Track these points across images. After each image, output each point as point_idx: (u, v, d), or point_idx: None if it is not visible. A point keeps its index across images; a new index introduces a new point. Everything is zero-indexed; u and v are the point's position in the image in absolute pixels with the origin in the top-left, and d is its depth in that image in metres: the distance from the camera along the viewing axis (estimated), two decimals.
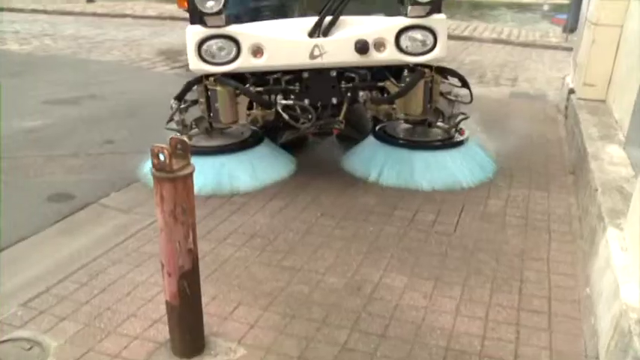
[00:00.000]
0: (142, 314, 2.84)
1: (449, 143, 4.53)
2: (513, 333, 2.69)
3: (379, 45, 4.04)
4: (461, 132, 4.63)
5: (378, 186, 4.38)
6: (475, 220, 3.83)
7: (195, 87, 4.35)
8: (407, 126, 4.79)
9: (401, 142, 4.58)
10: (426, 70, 4.15)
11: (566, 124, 6.01)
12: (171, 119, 4.53)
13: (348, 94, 4.26)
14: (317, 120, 4.25)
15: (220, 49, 4.03)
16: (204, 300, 2.66)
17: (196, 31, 4.01)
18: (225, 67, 4.07)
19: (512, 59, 10.35)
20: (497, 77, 8.77)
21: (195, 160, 3.89)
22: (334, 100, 4.26)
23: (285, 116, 4.19)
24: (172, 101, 4.46)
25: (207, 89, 4.21)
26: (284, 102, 4.18)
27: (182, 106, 4.47)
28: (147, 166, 4.27)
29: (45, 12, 16.18)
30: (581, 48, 6.09)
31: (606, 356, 2.39)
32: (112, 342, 2.64)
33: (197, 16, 3.97)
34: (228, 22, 3.99)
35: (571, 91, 6.17)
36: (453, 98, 4.56)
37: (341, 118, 4.22)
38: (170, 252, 2.30)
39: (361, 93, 4.27)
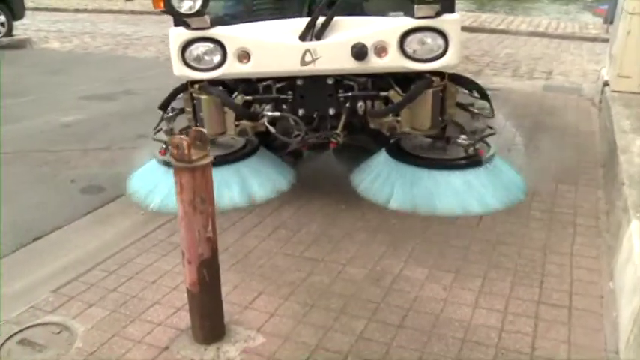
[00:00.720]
0: (166, 302, 2.93)
1: (473, 162, 3.97)
2: (531, 326, 2.68)
3: (380, 50, 3.52)
4: (479, 152, 4.03)
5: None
6: (499, 214, 3.80)
7: (181, 94, 4.05)
8: (425, 141, 4.26)
9: (418, 160, 4.01)
10: (435, 79, 3.62)
11: (600, 116, 5.91)
12: (158, 129, 4.27)
13: (347, 105, 3.77)
14: (315, 132, 3.79)
15: (205, 53, 3.68)
16: (226, 289, 2.74)
17: (179, 34, 3.67)
18: (210, 73, 3.71)
19: (548, 52, 10.19)
20: (531, 70, 8.66)
21: None
22: (331, 111, 3.79)
23: (272, 129, 3.72)
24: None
25: (192, 97, 3.88)
26: (269, 114, 3.72)
27: (169, 115, 4.20)
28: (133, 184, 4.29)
29: (86, 11, 16.61)
30: (617, 39, 5.96)
31: (625, 351, 2.37)
32: (136, 328, 2.74)
33: (177, 18, 3.65)
34: (214, 24, 3.64)
35: (605, 84, 6.06)
36: (476, 111, 4.03)
37: (339, 130, 3.72)
38: (190, 240, 2.37)
39: (359, 103, 3.76)
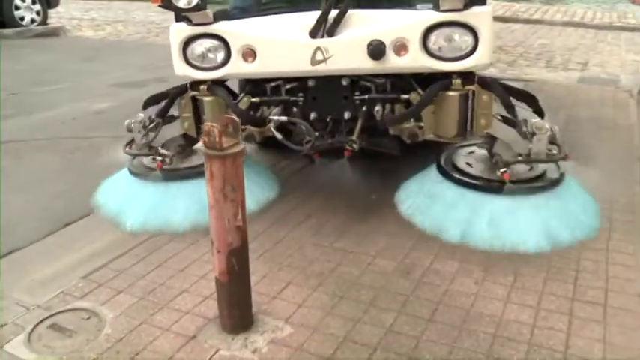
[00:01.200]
0: (194, 290, 2.93)
1: (541, 185, 3.40)
2: (565, 323, 2.61)
3: (400, 47, 3.16)
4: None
5: None
6: None
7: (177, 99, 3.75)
8: (478, 154, 3.71)
9: (478, 182, 3.40)
10: (456, 80, 3.25)
11: (639, 109, 5.74)
12: (131, 142, 3.87)
13: (364, 108, 3.45)
14: (331, 137, 3.49)
15: (207, 50, 3.43)
16: (254, 278, 2.72)
17: (180, 30, 3.43)
18: (213, 72, 3.46)
19: (584, 42, 9.96)
20: (566, 61, 8.47)
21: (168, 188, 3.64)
22: (346, 115, 3.46)
23: (278, 136, 3.36)
24: (132, 121, 3.77)
25: (194, 100, 3.63)
26: (275, 118, 3.38)
27: (146, 125, 3.78)
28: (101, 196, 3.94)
29: None
30: None
31: None
32: (164, 316, 2.74)
33: (178, 13, 3.41)
34: (218, 19, 3.38)
35: None
36: (525, 129, 3.34)
37: (355, 136, 3.36)
38: (219, 229, 2.36)
39: (377, 107, 3.41)
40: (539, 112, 3.54)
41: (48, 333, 2.66)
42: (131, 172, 3.85)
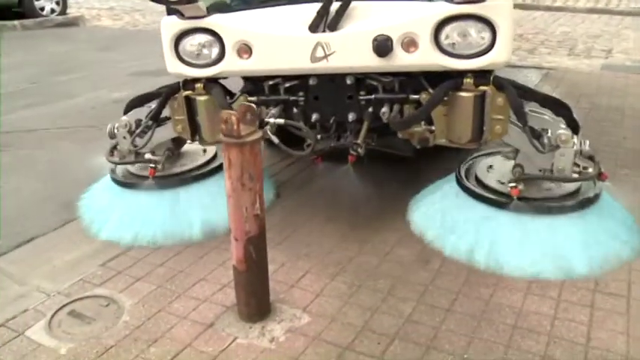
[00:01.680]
0: (212, 278, 2.93)
1: (578, 203, 3.05)
2: (587, 315, 2.57)
3: (408, 43, 2.88)
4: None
5: None
6: None
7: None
8: (504, 167, 3.32)
9: (506, 201, 3.06)
10: (467, 80, 2.95)
11: None
12: (114, 148, 3.65)
13: (369, 109, 3.17)
14: (337, 140, 3.28)
15: (201, 46, 3.18)
16: (272, 267, 2.71)
17: (171, 24, 3.17)
18: (207, 70, 3.21)
19: (608, 29, 9.79)
20: (589, 49, 8.33)
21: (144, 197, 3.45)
22: (351, 117, 3.20)
23: (275, 140, 3.11)
24: (115, 125, 3.55)
25: (189, 100, 3.36)
26: (272, 121, 3.12)
27: (137, 129, 3.52)
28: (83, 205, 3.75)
29: None
30: None
31: None
32: (181, 303, 2.75)
33: (169, 6, 3.17)
34: (212, 12, 3.15)
35: None
36: (547, 141, 2.98)
37: (360, 140, 3.10)
38: (237, 217, 2.35)
39: (383, 109, 3.12)
40: (573, 125, 3.11)
41: (67, 319, 2.68)
42: (117, 182, 3.60)
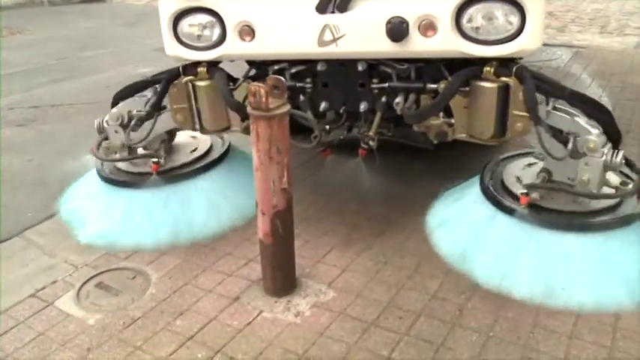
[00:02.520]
0: (238, 253, 2.94)
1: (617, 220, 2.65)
2: None
3: (426, 27, 2.60)
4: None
5: None
6: None
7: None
8: (532, 166, 3.00)
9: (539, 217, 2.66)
10: (487, 69, 2.65)
11: None
12: (103, 140, 3.37)
13: (382, 99, 2.95)
14: (347, 131, 3.11)
15: (201, 27, 2.95)
16: (297, 243, 2.70)
17: (169, 3, 2.94)
18: (207, 53, 2.97)
19: None
20: (622, 26, 8.11)
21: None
22: (362, 106, 2.97)
23: None
24: (104, 119, 3.31)
25: (192, 86, 3.11)
26: None
27: (130, 122, 3.25)
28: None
29: None
30: None
31: None
32: (207, 277, 2.76)
33: None
34: None
35: None
36: (571, 146, 2.61)
37: (372, 132, 2.95)
38: (264, 191, 2.34)
39: (397, 99, 2.89)
40: (614, 135, 2.70)
41: (95, 291, 2.71)
42: (112, 181, 3.31)
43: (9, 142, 4.67)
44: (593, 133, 2.57)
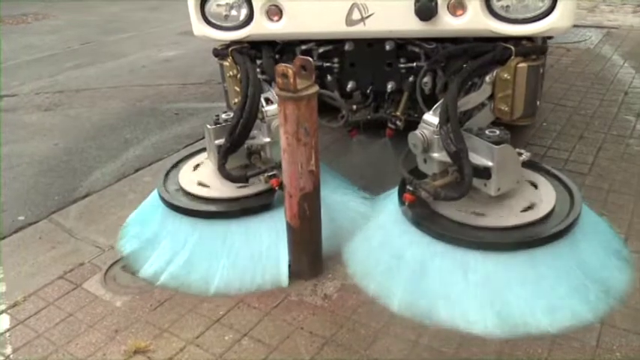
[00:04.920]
0: None
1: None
2: None
3: (455, 5, 2.57)
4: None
5: None
6: (614, 161, 3.50)
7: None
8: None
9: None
10: (521, 47, 2.61)
11: None
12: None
13: (410, 79, 2.92)
14: (374, 111, 3.06)
15: (229, 7, 2.92)
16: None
17: None
18: (235, 33, 2.94)
19: None
20: None
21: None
22: (390, 86, 2.98)
23: None
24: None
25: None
26: None
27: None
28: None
29: None
30: None
31: None
32: None
33: None
34: None
35: None
36: None
37: (399, 112, 2.92)
38: (292, 173, 2.31)
39: (425, 79, 2.85)
40: None
41: (121, 274, 2.71)
42: (162, 198, 2.79)
43: (35, 127, 4.71)
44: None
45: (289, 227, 2.46)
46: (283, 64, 2.15)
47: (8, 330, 2.38)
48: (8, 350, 2.27)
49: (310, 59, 2.21)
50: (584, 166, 3.44)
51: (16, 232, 3.12)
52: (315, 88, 2.21)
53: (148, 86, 5.45)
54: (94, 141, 4.31)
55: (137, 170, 3.77)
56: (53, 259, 2.84)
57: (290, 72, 2.13)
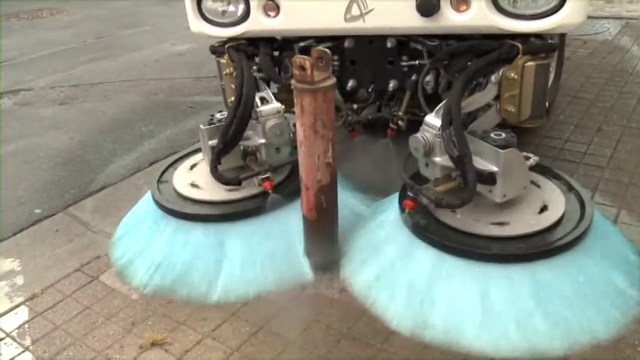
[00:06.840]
0: None
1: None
2: None
3: (459, 0, 2.47)
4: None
5: None
6: (633, 154, 3.44)
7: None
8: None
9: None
10: (529, 45, 2.44)
11: None
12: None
13: (412, 77, 2.84)
14: (377, 110, 3.00)
15: (226, 2, 2.84)
16: None
17: None
18: (231, 29, 2.86)
19: None
20: None
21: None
22: (391, 84, 2.89)
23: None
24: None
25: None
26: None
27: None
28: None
29: None
30: None
31: None
32: None
33: None
34: None
35: None
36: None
37: (401, 112, 2.86)
38: (309, 166, 2.30)
39: (427, 78, 2.72)
40: None
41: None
42: (157, 202, 2.73)
43: (51, 121, 4.73)
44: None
45: (306, 220, 2.45)
46: (300, 56, 2.14)
47: (27, 322, 2.39)
48: (27, 342, 2.29)
49: (328, 51, 2.19)
50: (602, 159, 3.39)
51: (33, 224, 3.14)
52: (333, 80, 2.19)
53: (162, 80, 5.46)
54: (109, 134, 4.32)
55: (152, 163, 3.77)
56: (70, 251, 2.85)
57: (307, 64, 2.11)
